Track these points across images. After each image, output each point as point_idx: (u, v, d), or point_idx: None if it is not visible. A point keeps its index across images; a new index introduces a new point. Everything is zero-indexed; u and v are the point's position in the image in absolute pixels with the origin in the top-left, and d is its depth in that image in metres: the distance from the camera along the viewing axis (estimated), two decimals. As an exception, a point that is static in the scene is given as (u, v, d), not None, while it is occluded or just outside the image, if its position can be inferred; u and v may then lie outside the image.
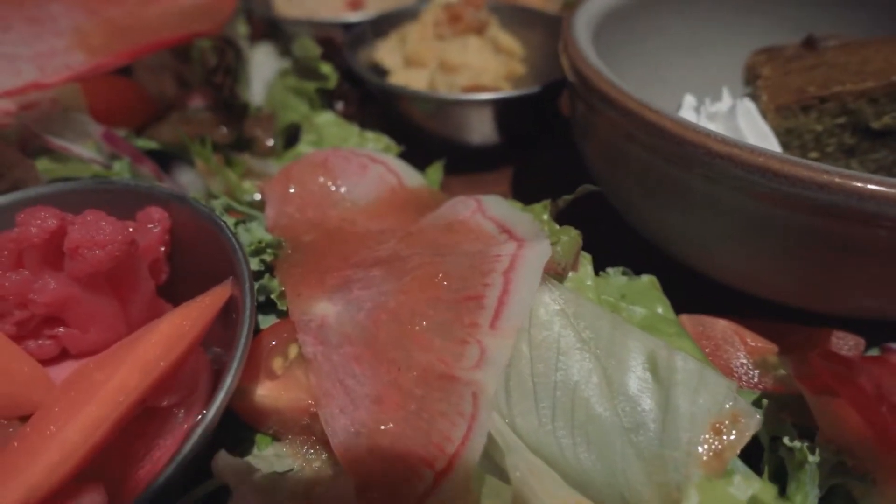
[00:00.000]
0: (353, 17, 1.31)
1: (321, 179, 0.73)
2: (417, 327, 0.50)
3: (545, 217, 0.62)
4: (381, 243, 0.65)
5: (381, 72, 1.03)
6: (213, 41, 0.79)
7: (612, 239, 0.69)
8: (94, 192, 0.61)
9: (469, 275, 0.51)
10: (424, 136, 0.97)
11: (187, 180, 0.83)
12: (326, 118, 0.88)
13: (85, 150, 0.73)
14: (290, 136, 0.91)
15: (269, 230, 0.67)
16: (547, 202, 0.63)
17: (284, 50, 1.20)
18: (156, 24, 0.81)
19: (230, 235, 0.55)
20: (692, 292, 0.65)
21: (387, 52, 1.02)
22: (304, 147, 0.87)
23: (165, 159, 0.85)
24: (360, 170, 0.74)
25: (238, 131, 0.84)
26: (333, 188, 0.72)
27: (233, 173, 0.79)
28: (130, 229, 0.58)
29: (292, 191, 0.71)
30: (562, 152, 0.99)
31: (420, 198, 0.74)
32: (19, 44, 0.76)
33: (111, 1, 0.84)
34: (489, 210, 0.66)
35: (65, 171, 0.73)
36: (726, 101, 0.76)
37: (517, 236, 0.57)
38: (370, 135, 0.84)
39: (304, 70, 0.91)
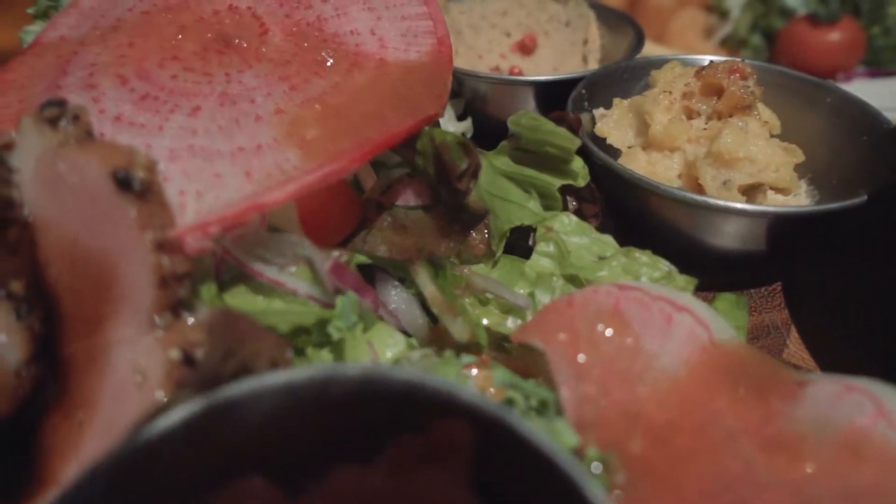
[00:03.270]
0: (532, 69, 1.12)
1: (614, 335, 0.53)
2: None
3: None
4: (749, 465, 0.45)
5: (601, 146, 0.83)
6: (456, 138, 0.60)
7: None
8: (364, 385, 0.42)
9: None
10: (659, 238, 0.77)
11: (399, 305, 0.64)
12: (567, 223, 0.69)
13: (301, 283, 0.55)
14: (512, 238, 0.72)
15: (576, 426, 0.47)
16: None
17: (463, 109, 1.02)
18: (374, 105, 0.62)
19: (586, 489, 0.36)
20: None
21: (612, 126, 0.82)
22: (540, 260, 0.68)
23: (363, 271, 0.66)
24: (664, 322, 0.54)
25: (463, 242, 0.66)
26: (635, 351, 0.53)
27: (471, 312, 0.61)
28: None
29: (582, 358, 0.52)
30: (844, 264, 0.78)
31: (743, 364, 0.54)
32: (214, 134, 0.58)
33: (309, 68, 0.66)
34: (898, 417, 0.45)
35: (270, 310, 0.55)
36: None
37: None
38: (642, 257, 0.64)
39: (534, 157, 0.72)
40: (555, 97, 0.98)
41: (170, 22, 0.68)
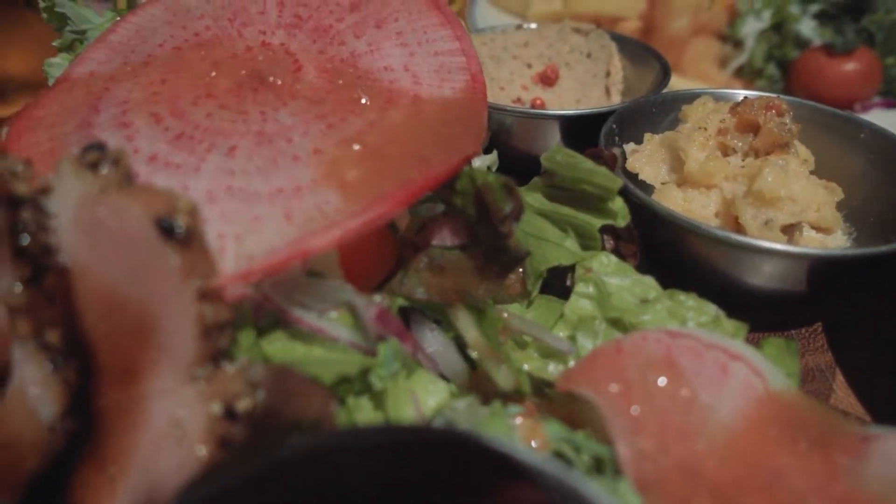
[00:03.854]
0: (554, 100, 1.12)
1: (669, 386, 0.51)
2: None
3: None
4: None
5: (632, 182, 0.82)
6: (499, 179, 0.59)
7: None
8: (422, 445, 0.40)
9: None
10: (695, 276, 0.75)
11: (437, 349, 0.62)
12: (607, 263, 0.67)
13: (343, 330, 0.53)
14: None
15: (636, 485, 0.45)
16: None
17: (489, 142, 1.01)
18: (413, 144, 0.61)
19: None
20: None
21: (645, 162, 0.81)
22: (579, 302, 0.66)
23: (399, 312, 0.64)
24: (719, 372, 0.52)
25: (501, 283, 0.64)
26: (691, 403, 0.51)
27: (513, 359, 0.59)
28: None
29: (637, 410, 0.50)
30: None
31: (802, 417, 0.52)
32: (252, 175, 0.56)
33: (345, 106, 0.65)
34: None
35: (311, 359, 0.53)
36: None
37: None
38: (688, 300, 0.62)
39: (569, 194, 0.71)
40: (580, 130, 0.98)
41: (202, 58, 0.67)
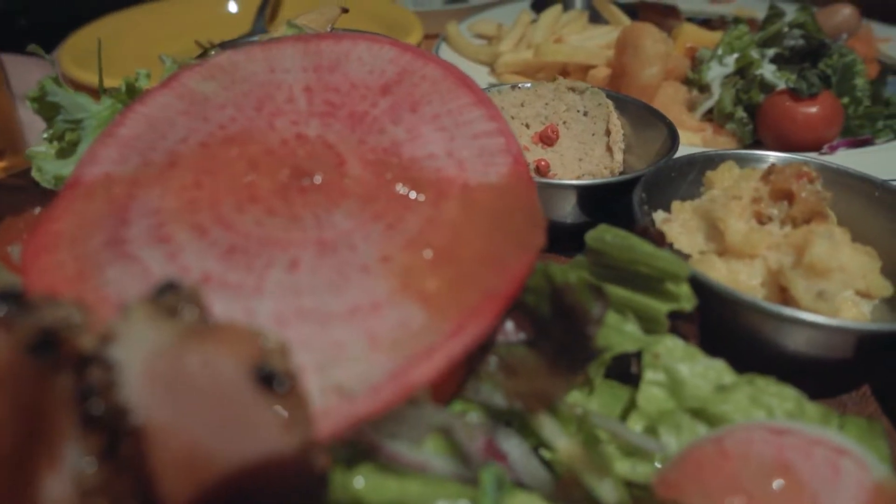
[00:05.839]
0: (556, 160, 1.11)
1: (787, 492, 0.49)
2: None
3: None
4: None
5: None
6: (582, 279, 0.56)
7: None
8: None
9: None
10: (739, 346, 0.74)
11: (517, 457, 0.58)
12: (673, 347, 0.65)
13: (441, 461, 0.49)
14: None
15: None
16: None
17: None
18: (483, 243, 0.58)
19: None
20: None
21: (679, 230, 0.80)
22: (651, 390, 0.64)
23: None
24: (831, 472, 0.51)
25: (573, 381, 0.61)
26: (811, 509, 0.49)
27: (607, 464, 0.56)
28: None
29: (763, 522, 0.48)
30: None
31: (915, 509, 0.51)
32: (321, 291, 0.52)
33: (399, 202, 0.61)
34: None
35: (409, 497, 0.48)
36: None
37: None
38: (768, 385, 0.60)
39: (620, 274, 0.69)
40: (596, 196, 0.97)
41: (237, 156, 0.62)
